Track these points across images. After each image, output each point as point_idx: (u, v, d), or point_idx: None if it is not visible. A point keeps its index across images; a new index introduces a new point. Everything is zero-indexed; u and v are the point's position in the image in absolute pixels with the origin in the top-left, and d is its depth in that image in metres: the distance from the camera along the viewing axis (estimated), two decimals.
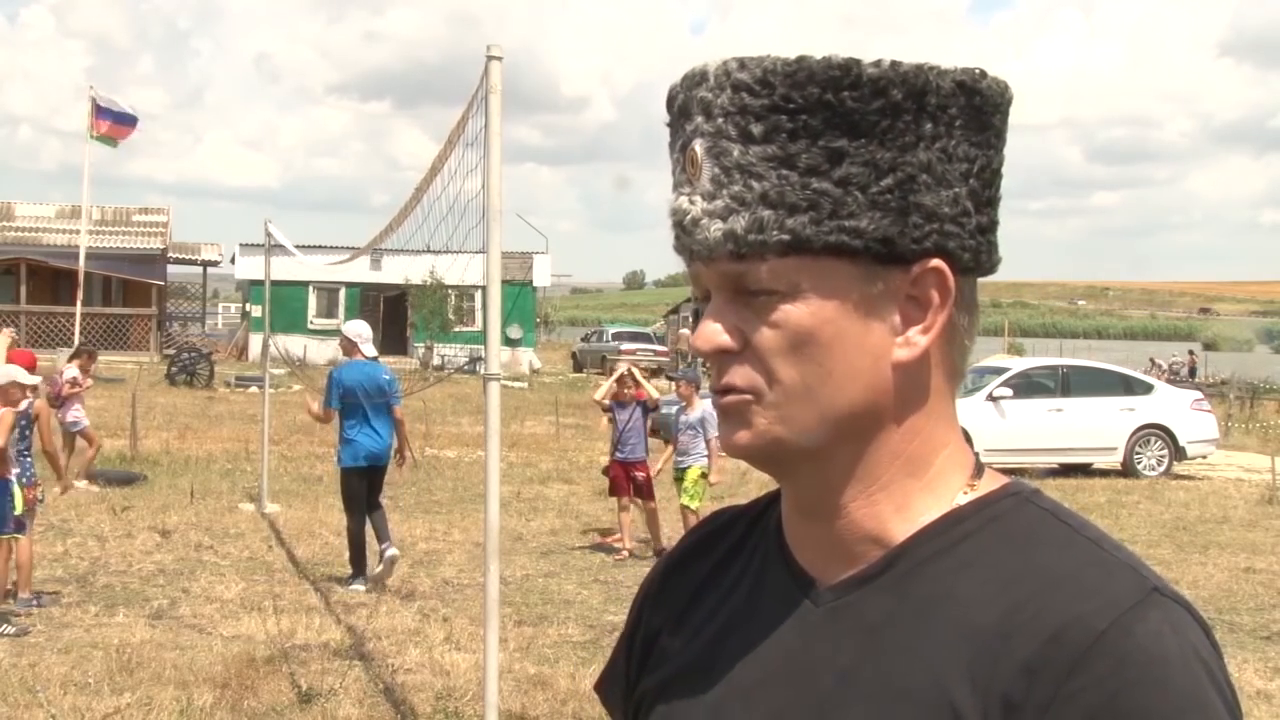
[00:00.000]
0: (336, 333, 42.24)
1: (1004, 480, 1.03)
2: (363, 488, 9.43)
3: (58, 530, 11.07)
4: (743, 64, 0.95)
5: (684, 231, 0.98)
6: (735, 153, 0.95)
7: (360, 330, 9.70)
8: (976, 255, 0.99)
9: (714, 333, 0.98)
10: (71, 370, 13.54)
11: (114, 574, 9.55)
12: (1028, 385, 18.25)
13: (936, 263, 0.96)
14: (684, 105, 0.99)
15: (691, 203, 0.97)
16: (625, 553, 10.66)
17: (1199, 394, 20.16)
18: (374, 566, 9.42)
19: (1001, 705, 0.90)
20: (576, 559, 10.76)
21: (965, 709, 0.91)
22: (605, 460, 11.72)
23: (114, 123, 29.04)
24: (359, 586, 9.27)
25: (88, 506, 12.18)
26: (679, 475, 10.74)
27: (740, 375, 0.98)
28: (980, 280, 1.02)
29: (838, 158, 0.94)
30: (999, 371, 18.86)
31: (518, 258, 39.03)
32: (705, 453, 10.48)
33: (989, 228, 1.00)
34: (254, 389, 23.10)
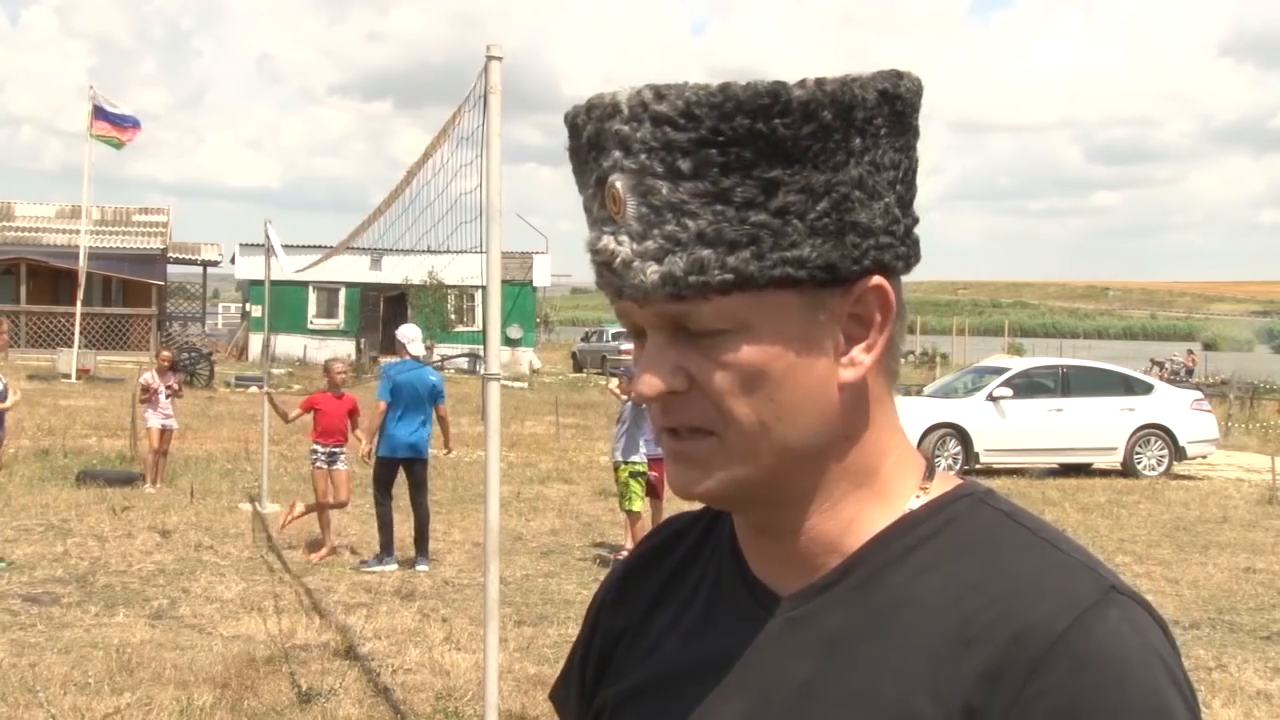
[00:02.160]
0: (337, 333, 42.04)
1: (957, 481, 1.03)
2: (394, 476, 10.27)
3: (58, 530, 11.07)
4: (660, 95, 0.91)
5: (612, 272, 0.94)
6: (664, 190, 0.91)
7: (409, 333, 10.59)
8: (907, 260, 0.98)
9: (658, 377, 0.95)
10: (145, 376, 14.27)
11: (114, 574, 9.55)
12: (1028, 385, 18.25)
13: (878, 281, 0.95)
14: (595, 137, 0.94)
15: (619, 243, 0.93)
16: (626, 553, 10.63)
17: (1199, 394, 20.16)
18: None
19: (963, 713, 0.90)
20: (576, 559, 10.76)
21: (928, 717, 0.91)
22: (607, 460, 11.65)
23: (114, 124, 29.20)
24: (390, 566, 10.00)
25: (88, 506, 12.19)
26: (615, 471, 10.56)
27: (690, 415, 0.95)
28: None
29: (773, 188, 0.91)
30: (999, 371, 18.87)
31: (518, 258, 39.02)
32: (624, 446, 10.26)
33: (912, 227, 0.98)
34: (254, 389, 23.10)
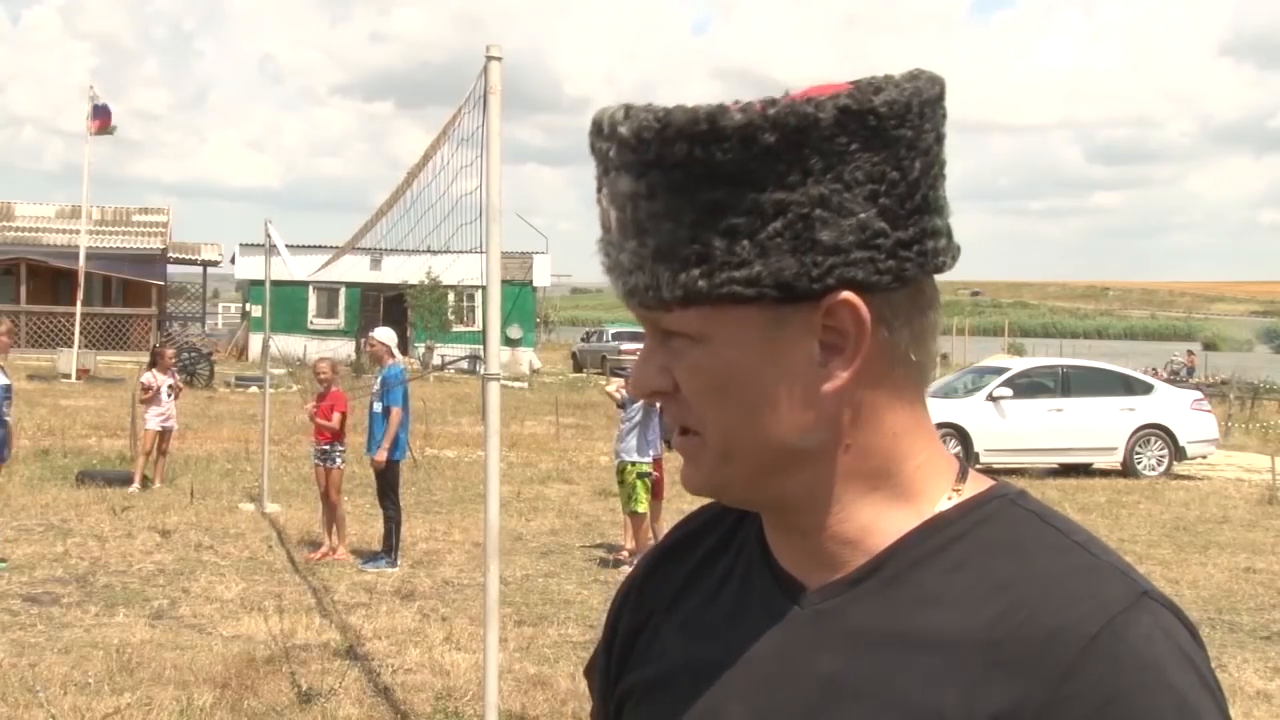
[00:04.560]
0: (337, 333, 41.89)
1: (989, 483, 1.03)
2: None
3: (58, 530, 11.07)
4: (628, 114, 0.95)
5: (610, 279, 1.01)
6: (628, 209, 0.96)
7: (390, 335, 10.77)
8: (900, 273, 0.95)
9: (645, 376, 1.01)
10: (146, 376, 14.30)
11: (114, 574, 9.55)
12: (1028, 385, 18.26)
13: (845, 296, 0.94)
14: (590, 151, 1.00)
15: (607, 254, 0.99)
16: (626, 553, 10.65)
17: (1199, 394, 20.16)
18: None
19: (992, 714, 0.90)
20: (576, 559, 10.76)
21: (954, 718, 0.91)
22: (608, 460, 11.67)
23: (104, 119, 29.86)
24: (393, 569, 10.00)
25: (87, 506, 12.19)
26: (620, 472, 10.58)
27: (682, 416, 1.00)
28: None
29: (719, 209, 0.93)
30: (999, 371, 18.87)
31: (518, 258, 39.00)
32: (634, 446, 10.31)
33: (918, 238, 0.96)
34: (254, 389, 23.10)
